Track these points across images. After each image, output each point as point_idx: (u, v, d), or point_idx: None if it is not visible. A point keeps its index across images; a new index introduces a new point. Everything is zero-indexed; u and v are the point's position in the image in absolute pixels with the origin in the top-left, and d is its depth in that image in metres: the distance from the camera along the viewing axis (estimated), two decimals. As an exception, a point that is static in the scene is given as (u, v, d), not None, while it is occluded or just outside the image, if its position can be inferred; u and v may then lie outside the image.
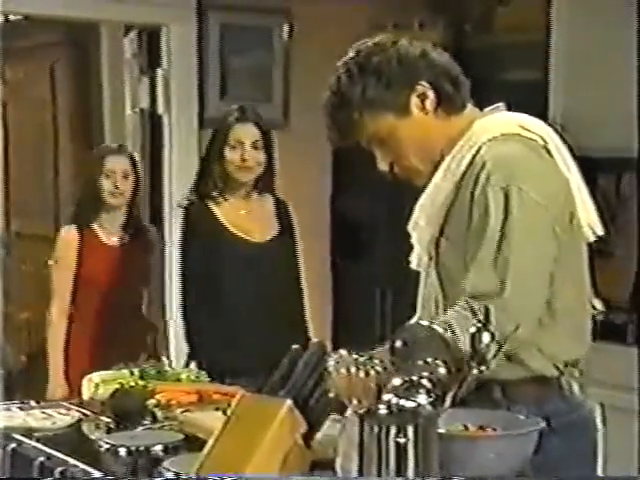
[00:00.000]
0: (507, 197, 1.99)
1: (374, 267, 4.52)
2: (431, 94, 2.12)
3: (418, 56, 2.13)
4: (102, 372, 2.65)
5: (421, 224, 2.17)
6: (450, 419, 1.88)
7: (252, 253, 3.39)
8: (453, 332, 1.84)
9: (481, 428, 1.95)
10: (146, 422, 2.38)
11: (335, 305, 5.04)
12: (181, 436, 2.23)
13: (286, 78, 4.84)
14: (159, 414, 2.40)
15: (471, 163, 2.07)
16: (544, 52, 4.35)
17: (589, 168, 4.82)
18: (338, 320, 4.91)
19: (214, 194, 3.41)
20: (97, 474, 2.04)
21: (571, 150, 2.20)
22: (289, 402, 1.82)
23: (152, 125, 4.89)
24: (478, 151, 2.06)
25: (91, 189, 3.82)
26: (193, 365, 2.71)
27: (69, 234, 3.83)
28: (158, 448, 2.16)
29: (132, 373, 2.62)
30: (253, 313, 3.33)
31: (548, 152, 2.10)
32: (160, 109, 4.80)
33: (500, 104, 2.22)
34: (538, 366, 2.07)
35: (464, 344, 1.78)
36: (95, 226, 3.82)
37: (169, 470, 1.97)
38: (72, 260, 3.77)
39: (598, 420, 2.01)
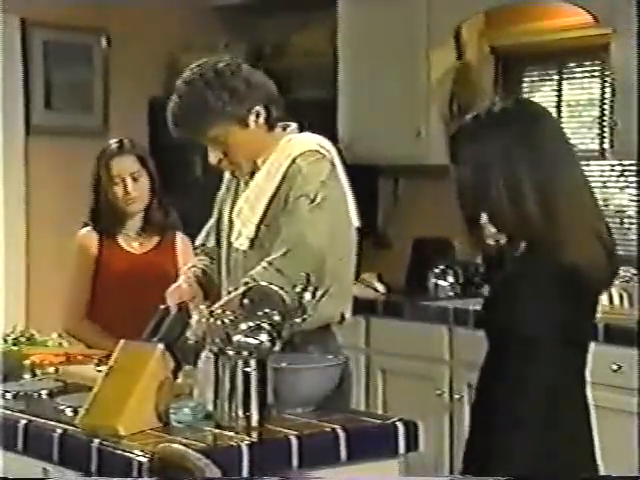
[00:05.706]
0: (309, 198, 2.75)
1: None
2: (263, 113, 2.83)
3: (259, 82, 2.83)
4: (-23, 340, 3.14)
5: (245, 212, 2.88)
6: (277, 361, 2.53)
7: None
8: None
9: (301, 366, 2.62)
10: (26, 377, 2.90)
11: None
12: (61, 383, 2.78)
13: (106, 90, 5.39)
14: (38, 371, 2.92)
15: (287, 171, 2.80)
16: (333, 74, 5.06)
17: (372, 173, 5.64)
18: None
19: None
20: None
21: (344, 161, 2.95)
22: (161, 346, 2.42)
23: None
24: (293, 162, 2.80)
25: (104, 199, 3.51)
26: (55, 335, 3.24)
27: (88, 237, 3.55)
28: (44, 392, 2.70)
29: (5, 341, 3.12)
30: None
31: (332, 163, 2.86)
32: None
33: (293, 124, 2.94)
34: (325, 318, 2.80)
35: (292, 300, 2.45)
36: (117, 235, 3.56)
37: (62, 404, 2.53)
38: (90, 264, 3.53)
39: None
